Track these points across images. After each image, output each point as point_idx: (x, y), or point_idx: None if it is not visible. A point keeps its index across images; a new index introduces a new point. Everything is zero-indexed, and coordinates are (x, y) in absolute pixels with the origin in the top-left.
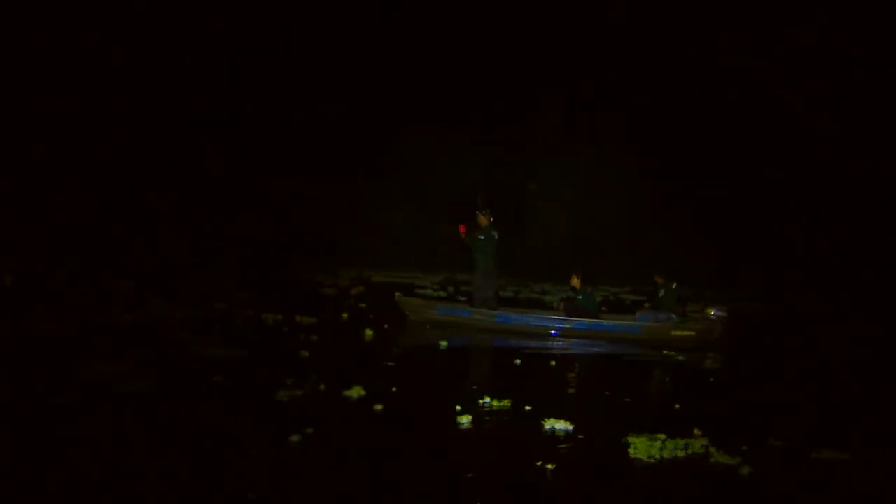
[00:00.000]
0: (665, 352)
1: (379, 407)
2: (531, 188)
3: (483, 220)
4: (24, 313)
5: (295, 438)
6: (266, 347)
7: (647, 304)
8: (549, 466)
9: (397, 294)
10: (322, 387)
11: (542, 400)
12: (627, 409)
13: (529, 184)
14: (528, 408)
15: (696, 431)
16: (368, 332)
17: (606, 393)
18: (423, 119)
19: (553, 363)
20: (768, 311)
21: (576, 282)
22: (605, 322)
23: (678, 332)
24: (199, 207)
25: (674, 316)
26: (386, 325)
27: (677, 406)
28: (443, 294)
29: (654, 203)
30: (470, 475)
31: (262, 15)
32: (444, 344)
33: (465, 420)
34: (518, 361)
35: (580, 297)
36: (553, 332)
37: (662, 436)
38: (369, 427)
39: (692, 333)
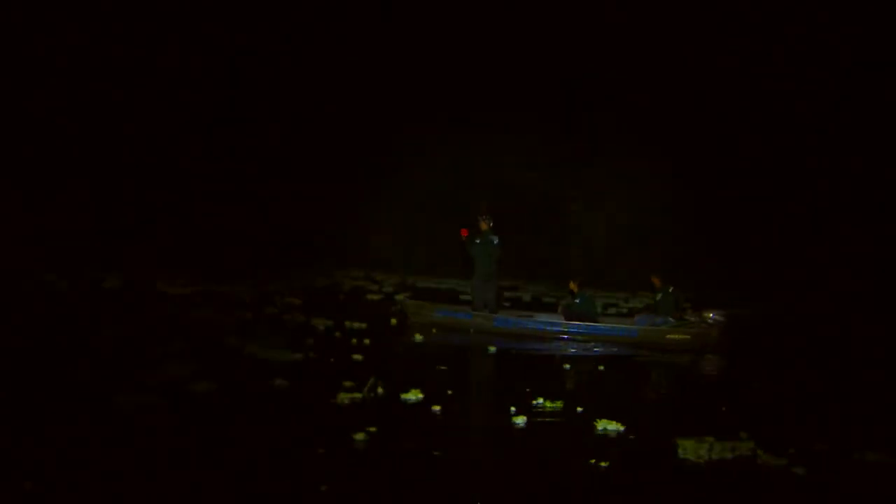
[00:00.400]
0: (684, 356)
1: (437, 408)
2: (574, 203)
3: (483, 225)
4: (87, 317)
5: (359, 437)
6: (320, 352)
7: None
8: (603, 464)
9: (400, 296)
10: (380, 390)
11: (592, 401)
12: (673, 411)
13: (572, 198)
14: (579, 409)
15: (742, 434)
16: (418, 337)
17: (651, 395)
18: (441, 120)
19: (601, 367)
20: (772, 313)
21: (574, 286)
22: (601, 325)
23: (673, 336)
24: (216, 210)
25: (671, 319)
26: (434, 330)
27: (724, 409)
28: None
29: (670, 206)
30: (527, 472)
31: (262, 15)
32: (492, 349)
33: (521, 420)
34: (567, 366)
35: (578, 301)
36: (555, 334)
37: (710, 438)
38: (430, 427)
39: (687, 337)
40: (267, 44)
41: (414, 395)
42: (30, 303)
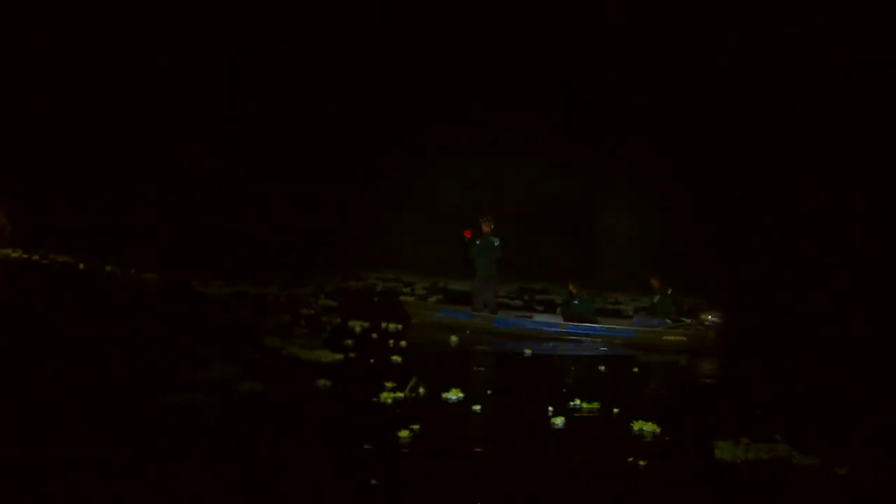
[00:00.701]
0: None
1: (477, 407)
2: (606, 210)
3: (485, 227)
4: (132, 317)
5: (404, 434)
6: (359, 352)
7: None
8: (641, 463)
9: (401, 297)
10: (422, 389)
11: (627, 403)
12: (708, 413)
13: (606, 207)
14: (615, 410)
15: (777, 436)
16: (453, 338)
17: (685, 397)
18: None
19: (636, 369)
20: (773, 314)
21: (573, 288)
22: (599, 326)
23: (669, 338)
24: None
25: (668, 321)
26: (468, 332)
27: (758, 412)
28: (519, 303)
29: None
30: (567, 469)
31: (262, 14)
32: (528, 352)
33: (559, 421)
34: (602, 368)
35: (576, 302)
36: (553, 335)
37: (746, 439)
38: (471, 426)
39: (684, 339)
40: (266, 43)
41: (455, 395)
42: (71, 302)
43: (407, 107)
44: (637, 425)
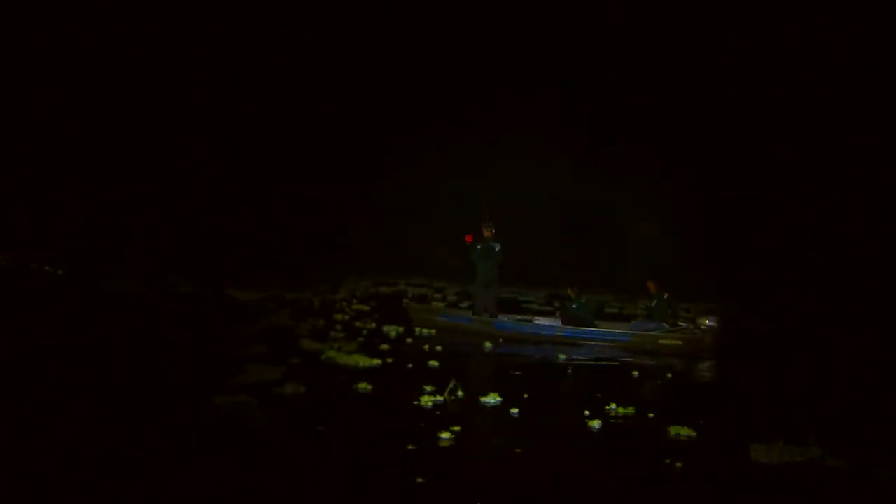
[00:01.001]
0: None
1: (515, 410)
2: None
3: (486, 232)
4: (167, 321)
5: (445, 436)
6: (396, 357)
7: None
8: (678, 465)
9: (405, 300)
10: (460, 393)
11: (662, 408)
12: (742, 417)
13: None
14: (651, 415)
15: (810, 439)
16: (487, 344)
17: (717, 400)
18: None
19: (635, 373)
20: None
21: (571, 291)
22: (596, 330)
23: (665, 341)
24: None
25: (665, 325)
26: (501, 340)
27: (792, 415)
28: (550, 309)
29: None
30: (605, 470)
31: (264, 14)
32: (562, 357)
33: (596, 424)
34: (635, 373)
35: (575, 306)
36: (552, 338)
37: (780, 443)
38: (510, 428)
39: (679, 342)
40: (266, 43)
41: (493, 399)
42: (111, 307)
43: (406, 107)
44: (673, 429)
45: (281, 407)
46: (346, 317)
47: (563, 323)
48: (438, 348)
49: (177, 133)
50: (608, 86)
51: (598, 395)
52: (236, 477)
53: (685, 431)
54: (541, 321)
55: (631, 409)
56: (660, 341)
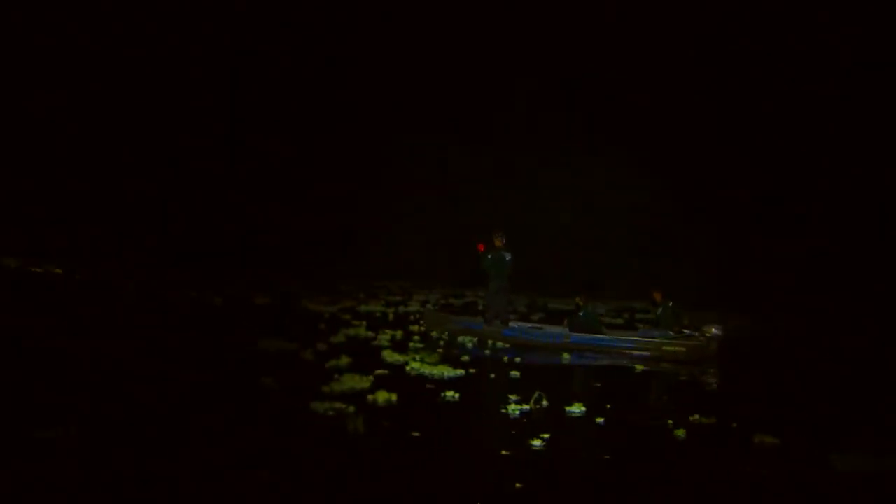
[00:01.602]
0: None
1: (600, 420)
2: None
3: (497, 242)
4: (247, 332)
5: (536, 443)
6: (477, 367)
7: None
8: (763, 473)
9: (425, 308)
10: (545, 402)
11: (744, 417)
12: (823, 426)
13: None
14: (734, 424)
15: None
16: (566, 356)
17: (799, 409)
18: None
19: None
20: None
21: (579, 301)
22: (603, 337)
23: (669, 348)
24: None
25: (671, 333)
26: (575, 352)
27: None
28: (620, 321)
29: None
30: (692, 477)
31: (269, 15)
32: (639, 368)
33: (681, 433)
34: (713, 382)
35: (582, 315)
36: (560, 345)
37: (863, 452)
38: (596, 436)
39: (683, 349)
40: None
41: (577, 408)
42: (192, 321)
43: (406, 106)
44: (758, 438)
45: (375, 414)
46: (421, 328)
47: (571, 330)
48: (518, 360)
49: (177, 133)
50: (608, 86)
51: (679, 404)
52: (342, 479)
53: (769, 440)
54: (550, 329)
55: (713, 419)
56: (664, 348)
